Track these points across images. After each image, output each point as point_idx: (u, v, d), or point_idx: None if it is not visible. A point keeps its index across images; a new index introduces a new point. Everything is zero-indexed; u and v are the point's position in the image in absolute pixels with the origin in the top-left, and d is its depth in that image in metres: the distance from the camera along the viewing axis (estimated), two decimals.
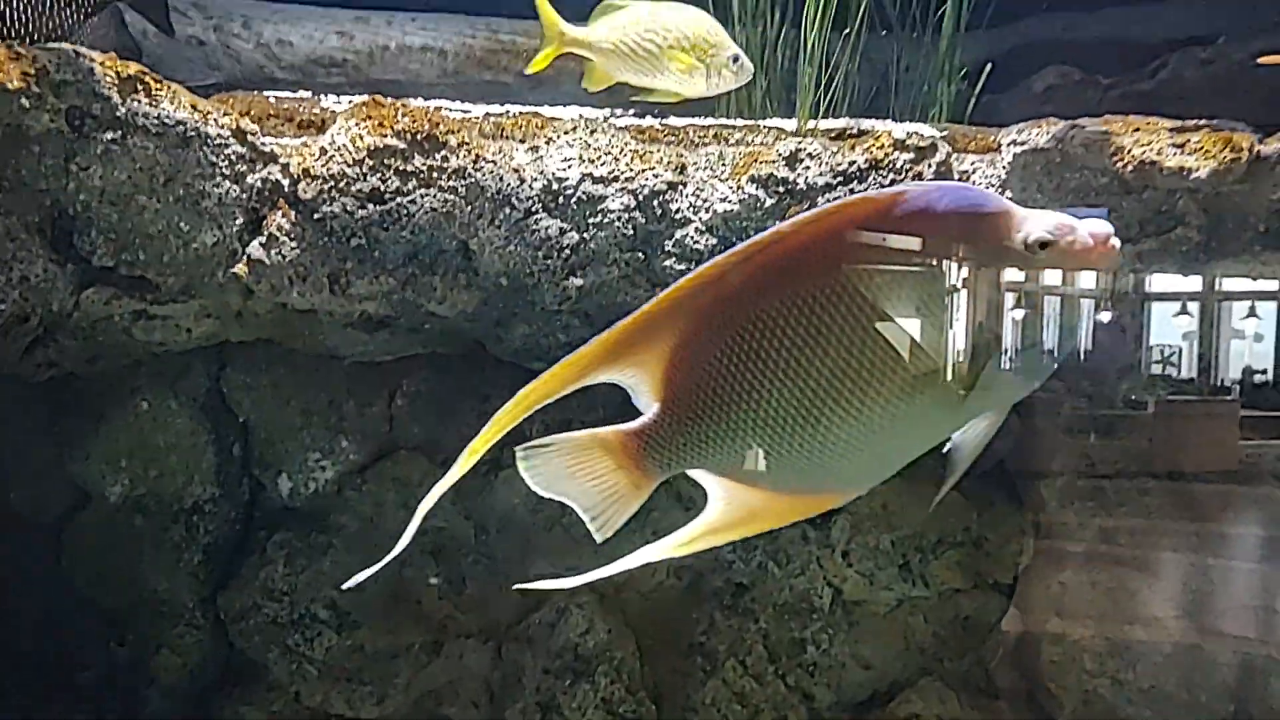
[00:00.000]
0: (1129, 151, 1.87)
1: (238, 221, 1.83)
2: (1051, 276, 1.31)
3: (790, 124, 2.15)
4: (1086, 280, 1.33)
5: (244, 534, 2.37)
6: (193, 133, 1.78)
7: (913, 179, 1.91)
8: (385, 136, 1.82)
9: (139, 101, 1.75)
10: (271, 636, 2.32)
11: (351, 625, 2.31)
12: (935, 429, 1.36)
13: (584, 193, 1.89)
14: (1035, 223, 1.27)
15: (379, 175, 1.82)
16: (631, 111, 2.20)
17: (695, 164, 1.95)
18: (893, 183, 1.91)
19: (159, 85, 1.78)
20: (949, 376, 1.31)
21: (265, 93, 2.09)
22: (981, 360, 1.30)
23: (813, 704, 2.36)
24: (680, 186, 1.92)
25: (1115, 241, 1.27)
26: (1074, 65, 2.62)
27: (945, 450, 1.40)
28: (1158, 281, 2.05)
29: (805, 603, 2.35)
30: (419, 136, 1.83)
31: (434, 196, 1.84)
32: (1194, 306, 2.14)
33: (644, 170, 1.91)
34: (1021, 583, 2.35)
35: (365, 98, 1.89)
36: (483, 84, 2.64)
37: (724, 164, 1.94)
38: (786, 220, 1.34)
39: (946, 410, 1.33)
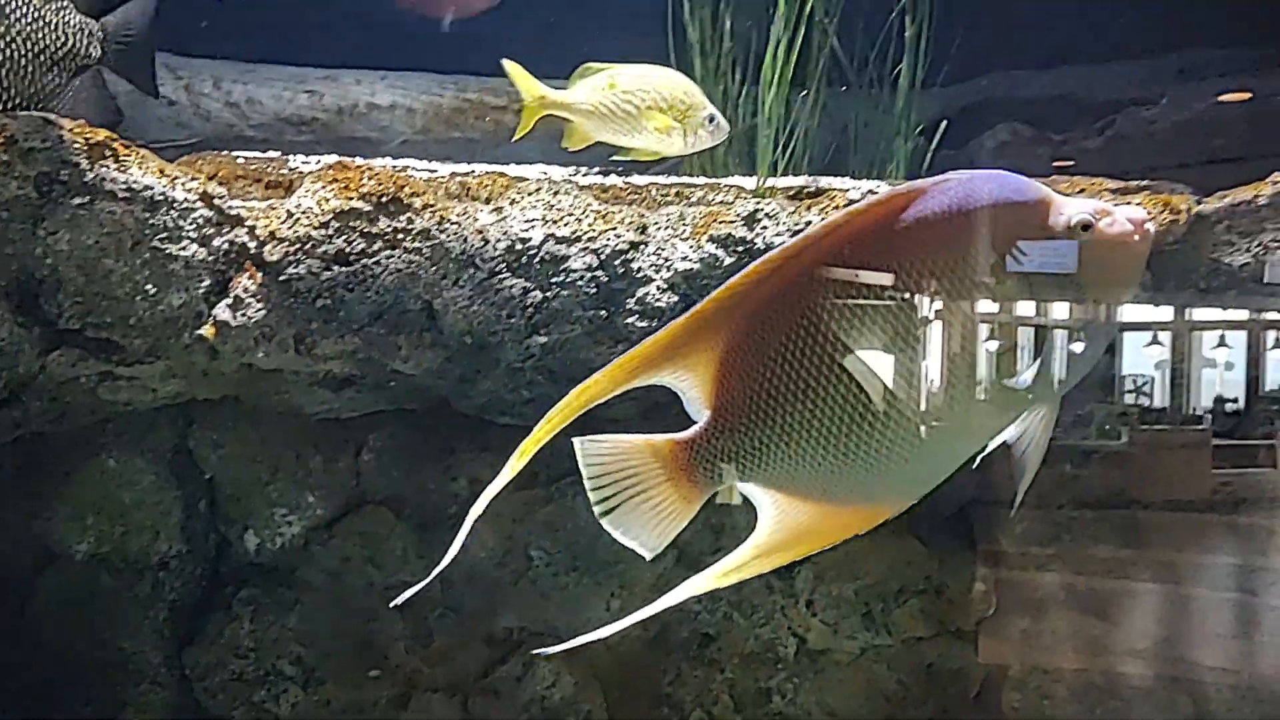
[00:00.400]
0: None
1: (204, 283, 1.86)
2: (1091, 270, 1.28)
3: (750, 182, 2.20)
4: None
5: (210, 590, 2.36)
6: (160, 197, 1.81)
7: None
8: (351, 199, 1.86)
9: (107, 167, 1.78)
10: (237, 693, 2.30)
11: (317, 681, 2.31)
12: (994, 423, 1.32)
13: (547, 253, 1.93)
14: (1075, 206, 1.28)
15: (344, 237, 1.85)
16: (595, 170, 2.25)
17: (656, 224, 1.99)
18: None
19: (127, 151, 1.81)
20: (1009, 368, 1.29)
21: (234, 153, 2.13)
22: (1043, 352, 1.28)
23: None
24: (642, 246, 1.97)
25: (1151, 226, 1.29)
26: (1026, 123, 2.71)
27: (1011, 450, 1.34)
28: (1128, 311, 2.07)
29: (771, 652, 2.37)
30: (384, 199, 1.87)
31: (399, 258, 1.87)
32: (1165, 336, 2.16)
33: (606, 230, 1.95)
34: (985, 625, 2.38)
35: (333, 159, 1.93)
36: (450, 141, 2.68)
37: (684, 223, 1.99)
38: (840, 211, 1.30)
39: (1007, 402, 1.30)
